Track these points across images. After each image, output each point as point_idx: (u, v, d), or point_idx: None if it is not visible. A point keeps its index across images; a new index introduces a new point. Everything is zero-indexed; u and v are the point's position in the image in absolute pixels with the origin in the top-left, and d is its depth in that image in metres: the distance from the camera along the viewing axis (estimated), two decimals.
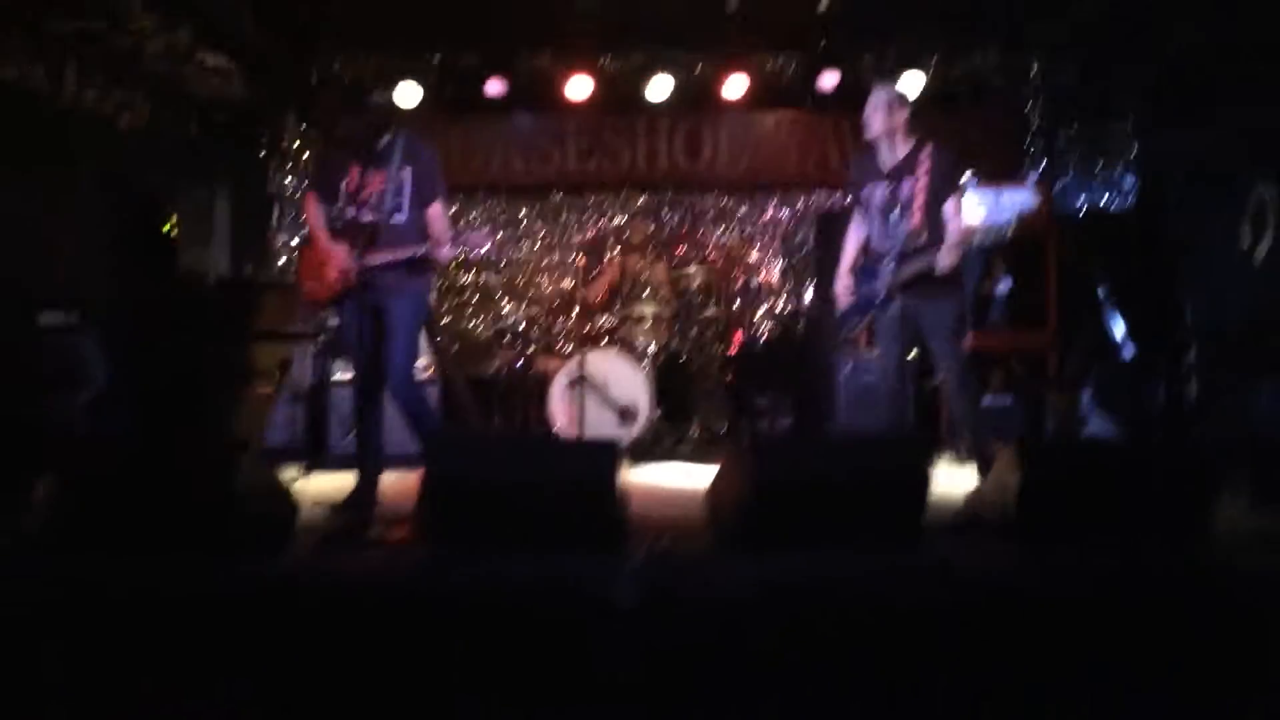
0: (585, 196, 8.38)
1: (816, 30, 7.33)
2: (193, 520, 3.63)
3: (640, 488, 5.45)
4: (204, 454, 3.74)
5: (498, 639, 3.36)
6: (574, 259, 8.29)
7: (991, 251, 6.62)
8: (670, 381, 6.97)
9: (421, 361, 6.63)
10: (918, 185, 4.81)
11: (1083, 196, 8.13)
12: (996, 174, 7.19)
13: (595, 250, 8.25)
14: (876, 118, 4.96)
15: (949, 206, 4.79)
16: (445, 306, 8.27)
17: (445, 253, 4.71)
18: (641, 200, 8.38)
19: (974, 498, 4.16)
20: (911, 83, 7.55)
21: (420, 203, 4.77)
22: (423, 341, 6.66)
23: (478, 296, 8.25)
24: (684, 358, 7.03)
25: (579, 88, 7.55)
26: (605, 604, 3.36)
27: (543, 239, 8.39)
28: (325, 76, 7.82)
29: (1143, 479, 3.63)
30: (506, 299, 7.74)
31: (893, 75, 7.58)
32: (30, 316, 5.29)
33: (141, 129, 6.75)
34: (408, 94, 7.56)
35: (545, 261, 8.38)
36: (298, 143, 8.16)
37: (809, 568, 3.42)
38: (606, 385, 6.47)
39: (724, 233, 8.38)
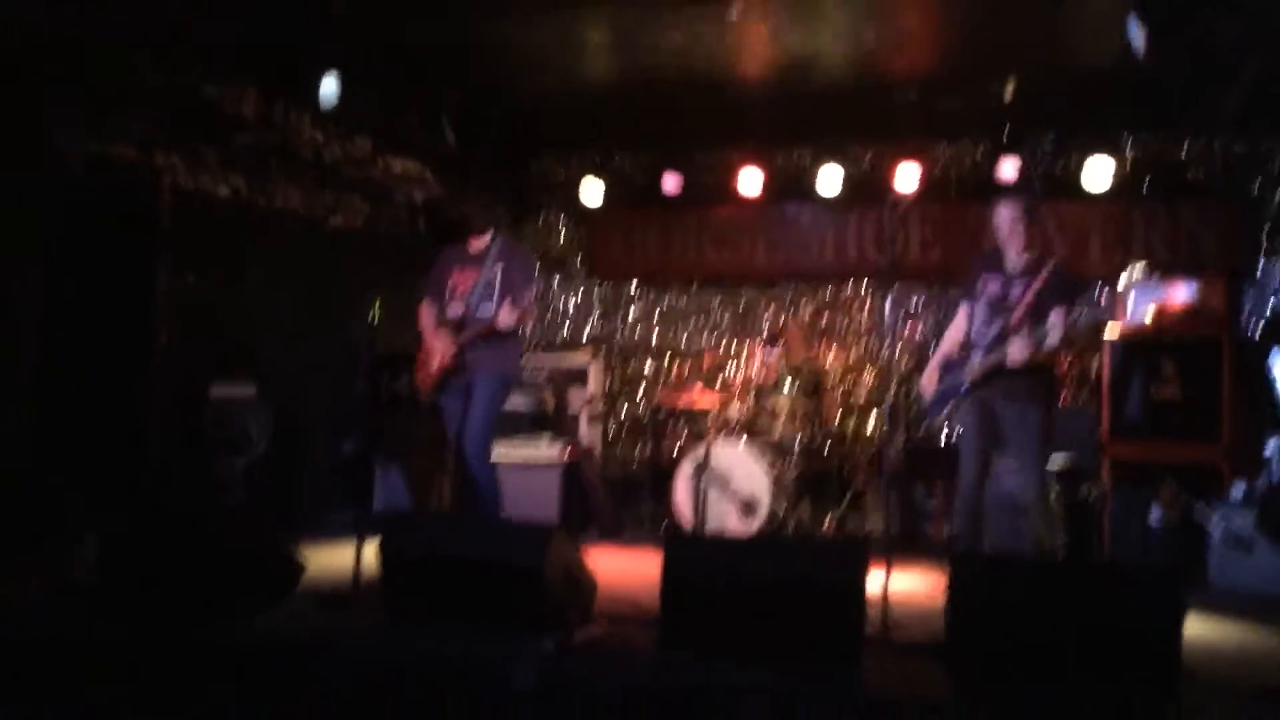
0: (773, 288, 8.38)
1: (996, 117, 6.99)
2: (197, 575, 4.09)
3: None
4: (214, 517, 4.21)
5: (403, 707, 3.54)
6: (754, 349, 8.32)
7: (1161, 354, 6.00)
8: (804, 476, 6.80)
9: (555, 446, 6.89)
10: (1028, 290, 4.91)
11: None
12: (1188, 270, 6.50)
13: (776, 341, 8.21)
14: (1004, 227, 5.06)
15: (1052, 317, 4.76)
16: (628, 391, 8.56)
17: (503, 316, 5.11)
18: (827, 292, 8.26)
19: None
20: (1101, 170, 6.98)
21: (509, 297, 5.21)
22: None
23: (661, 384, 8.45)
24: (824, 453, 6.83)
25: (750, 181, 7.64)
26: (503, 686, 3.46)
27: (730, 328, 8.48)
28: (525, 180, 8.43)
29: (1087, 602, 3.19)
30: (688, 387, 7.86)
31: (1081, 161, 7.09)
32: (204, 388, 6.12)
33: (358, 228, 7.64)
34: (592, 191, 8.00)
35: (730, 350, 8.45)
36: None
37: (708, 678, 3.31)
38: (730, 477, 6.43)
39: (909, 326, 8.06)
